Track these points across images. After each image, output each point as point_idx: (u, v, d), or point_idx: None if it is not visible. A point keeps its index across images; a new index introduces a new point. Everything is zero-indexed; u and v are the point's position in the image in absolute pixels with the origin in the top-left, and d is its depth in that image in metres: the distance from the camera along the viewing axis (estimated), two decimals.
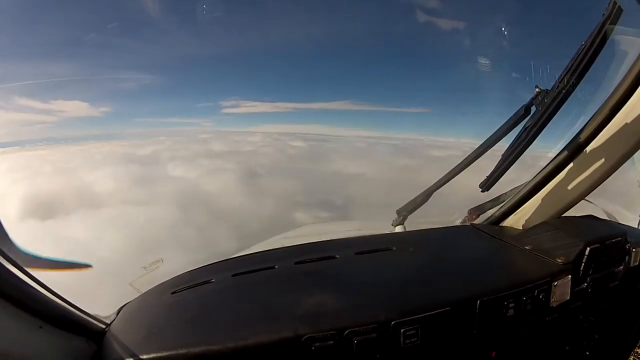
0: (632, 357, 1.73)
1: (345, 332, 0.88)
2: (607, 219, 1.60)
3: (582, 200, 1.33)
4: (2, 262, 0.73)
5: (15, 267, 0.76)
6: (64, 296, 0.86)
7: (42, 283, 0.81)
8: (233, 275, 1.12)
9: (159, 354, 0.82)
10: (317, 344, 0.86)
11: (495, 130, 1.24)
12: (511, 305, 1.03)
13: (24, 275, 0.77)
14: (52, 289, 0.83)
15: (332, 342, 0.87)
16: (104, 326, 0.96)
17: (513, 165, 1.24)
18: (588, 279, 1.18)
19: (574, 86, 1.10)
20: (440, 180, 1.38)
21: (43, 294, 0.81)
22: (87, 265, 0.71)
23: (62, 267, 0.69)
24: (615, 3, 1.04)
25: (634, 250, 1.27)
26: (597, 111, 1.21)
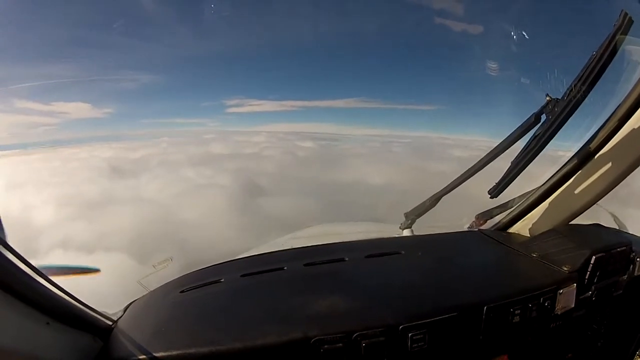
0: None
1: (354, 335, 0.88)
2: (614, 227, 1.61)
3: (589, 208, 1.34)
4: (9, 258, 0.73)
5: (24, 263, 0.75)
6: (71, 293, 0.86)
7: (49, 279, 0.80)
8: (242, 276, 1.12)
9: (166, 353, 0.82)
10: (325, 346, 0.86)
11: (505, 137, 1.25)
12: (517, 311, 1.03)
13: (31, 272, 0.77)
14: (60, 286, 0.83)
15: (340, 344, 0.87)
16: (110, 323, 0.95)
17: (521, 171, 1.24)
18: (593, 287, 1.18)
19: (584, 95, 1.10)
20: (449, 185, 1.38)
21: (50, 291, 0.80)
22: (95, 270, 0.72)
23: (72, 273, 0.70)
24: (626, 14, 1.05)
25: (638, 259, 1.27)
26: (606, 120, 1.22)
